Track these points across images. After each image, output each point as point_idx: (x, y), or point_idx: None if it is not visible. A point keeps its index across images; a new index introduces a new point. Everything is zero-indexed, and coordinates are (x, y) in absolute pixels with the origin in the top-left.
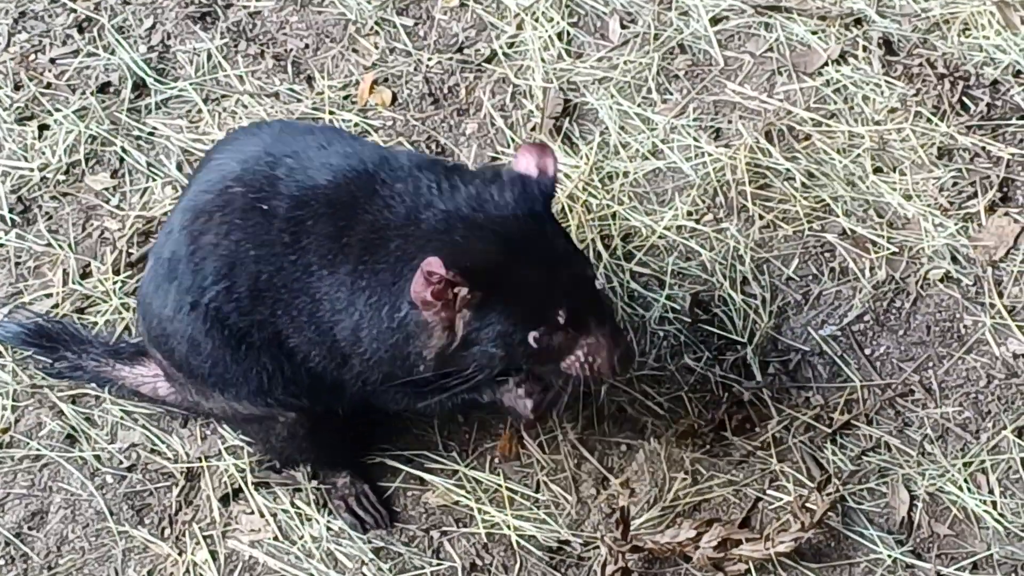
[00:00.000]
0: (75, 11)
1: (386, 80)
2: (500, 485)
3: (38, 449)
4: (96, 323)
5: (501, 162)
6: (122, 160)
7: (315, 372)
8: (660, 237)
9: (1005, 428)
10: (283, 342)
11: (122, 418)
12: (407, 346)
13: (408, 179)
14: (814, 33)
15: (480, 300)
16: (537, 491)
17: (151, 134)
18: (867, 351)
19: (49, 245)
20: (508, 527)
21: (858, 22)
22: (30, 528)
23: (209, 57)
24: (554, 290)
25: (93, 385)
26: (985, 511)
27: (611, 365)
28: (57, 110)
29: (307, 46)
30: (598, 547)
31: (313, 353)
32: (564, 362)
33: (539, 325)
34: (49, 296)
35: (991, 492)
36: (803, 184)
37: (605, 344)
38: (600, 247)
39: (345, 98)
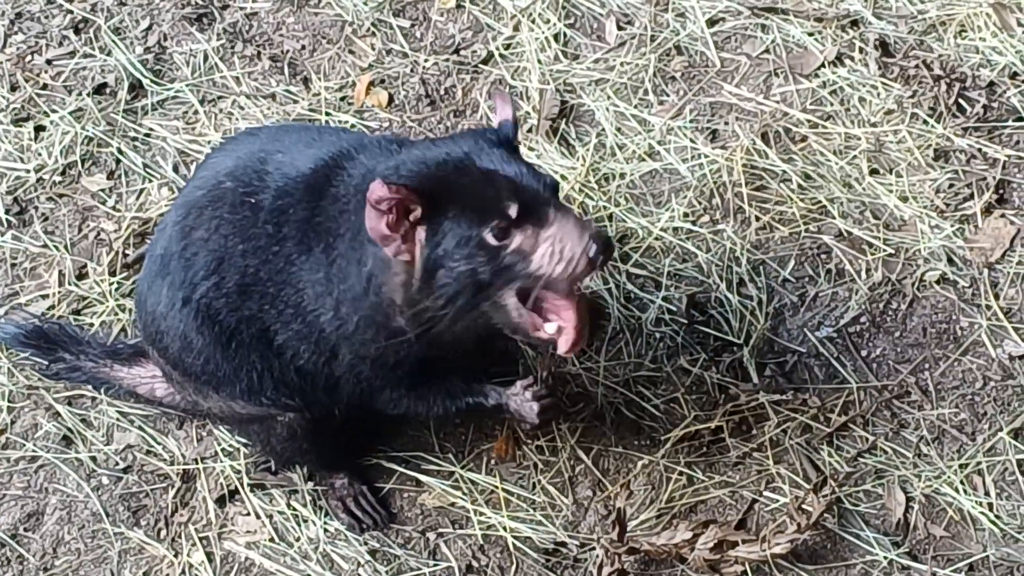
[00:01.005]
0: (71, 12)
1: (383, 81)
2: (496, 487)
3: (34, 450)
4: (92, 324)
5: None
6: (118, 161)
7: (306, 371)
8: (656, 239)
9: (1001, 430)
10: (271, 339)
11: (118, 420)
12: (379, 303)
13: (373, 148)
14: (810, 35)
15: (430, 213)
16: (533, 493)
17: (147, 135)
18: (863, 353)
19: (45, 246)
20: (504, 529)
21: (854, 24)
22: (26, 529)
23: (206, 58)
24: (500, 188)
25: (89, 386)
26: (981, 513)
27: (584, 250)
28: (53, 111)
29: (303, 47)
30: (594, 549)
31: (302, 348)
32: (534, 263)
33: (491, 220)
34: (45, 297)
35: (987, 494)
36: (799, 186)
37: (571, 230)
38: None
39: (342, 99)
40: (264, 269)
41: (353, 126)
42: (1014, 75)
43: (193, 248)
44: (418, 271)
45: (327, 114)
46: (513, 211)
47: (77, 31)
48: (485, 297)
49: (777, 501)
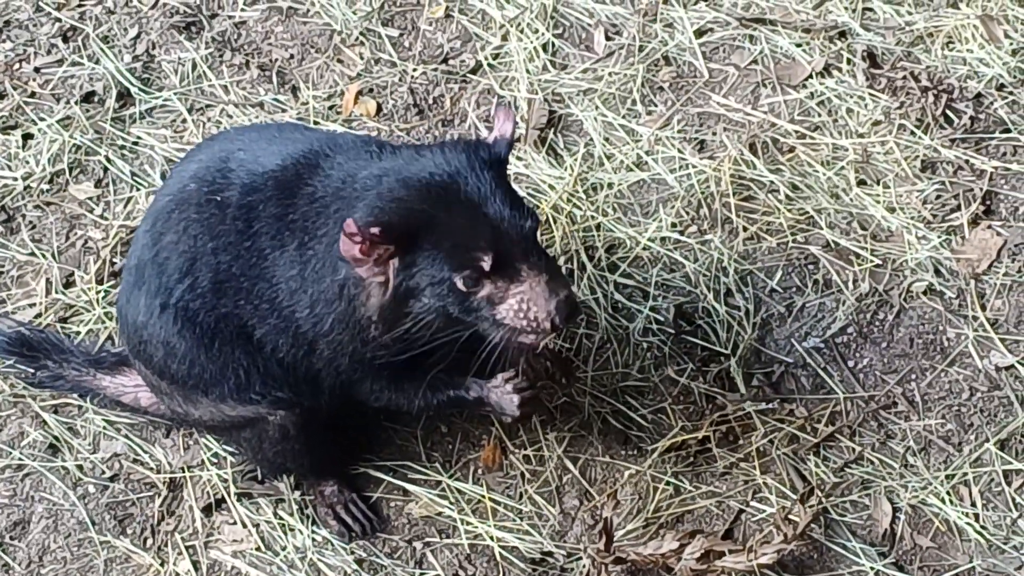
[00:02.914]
0: (60, 20)
1: (371, 90)
2: (483, 496)
3: (20, 459)
4: (79, 332)
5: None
6: (106, 170)
7: (286, 363)
8: (644, 248)
9: (987, 441)
10: (251, 334)
11: (105, 428)
12: (353, 311)
13: (351, 150)
14: (798, 46)
15: (405, 250)
16: (520, 502)
17: (135, 143)
18: (850, 363)
19: (32, 254)
20: (491, 538)
21: (842, 35)
22: (12, 538)
23: (194, 67)
24: (477, 235)
25: (75, 395)
26: (967, 523)
27: (548, 314)
28: (41, 119)
29: (292, 56)
30: (581, 558)
31: (281, 342)
32: (499, 313)
33: (463, 269)
34: (32, 305)
35: (973, 505)
36: (787, 196)
37: (540, 292)
38: (584, 258)
39: (330, 108)
40: (236, 265)
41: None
42: (1001, 87)
43: (164, 253)
44: (389, 294)
45: (316, 123)
46: (487, 263)
47: (65, 39)
48: (458, 322)
49: (764, 511)
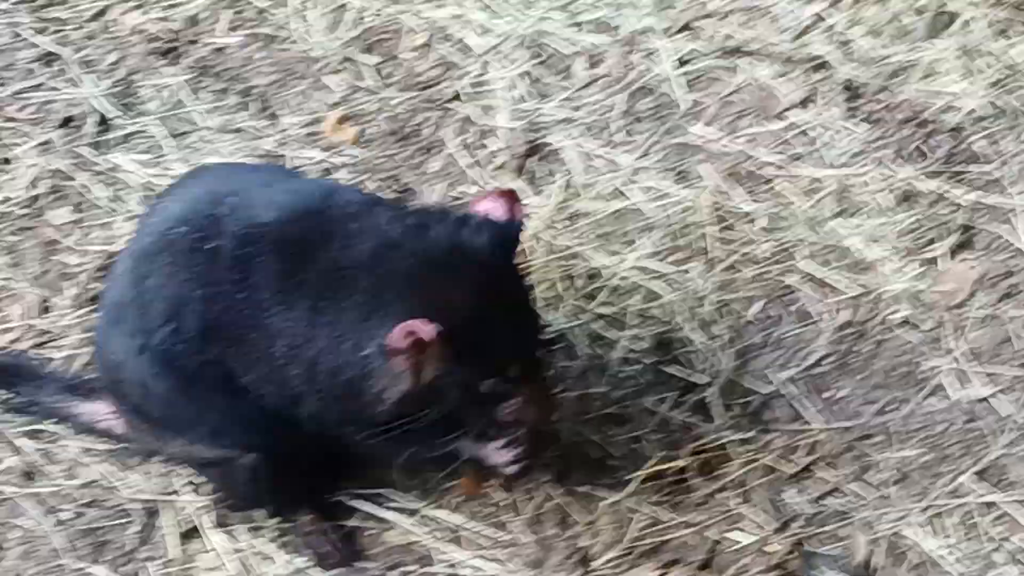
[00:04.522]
0: (37, 45)
1: (351, 118)
2: (460, 525)
3: None
4: (55, 359)
5: (457, 203)
6: (83, 195)
7: (270, 411)
8: (623, 278)
9: (964, 472)
10: (236, 381)
11: (80, 454)
12: (364, 384)
13: (364, 216)
14: (778, 77)
15: (451, 352)
16: (498, 531)
17: (113, 169)
18: (827, 394)
19: (9, 279)
20: (468, 567)
21: (822, 66)
22: None
23: (173, 92)
24: (514, 346)
25: (50, 421)
26: (944, 555)
27: (540, 416)
28: (18, 145)
29: (272, 83)
30: None
31: (266, 392)
32: (501, 408)
33: (494, 376)
34: (8, 331)
35: (949, 536)
36: (765, 228)
37: (540, 396)
38: (562, 287)
39: (309, 135)
40: (228, 315)
41: (321, 162)
42: (979, 119)
43: (148, 295)
44: (416, 388)
45: (295, 150)
46: (515, 372)
47: (44, 64)
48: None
49: (741, 543)
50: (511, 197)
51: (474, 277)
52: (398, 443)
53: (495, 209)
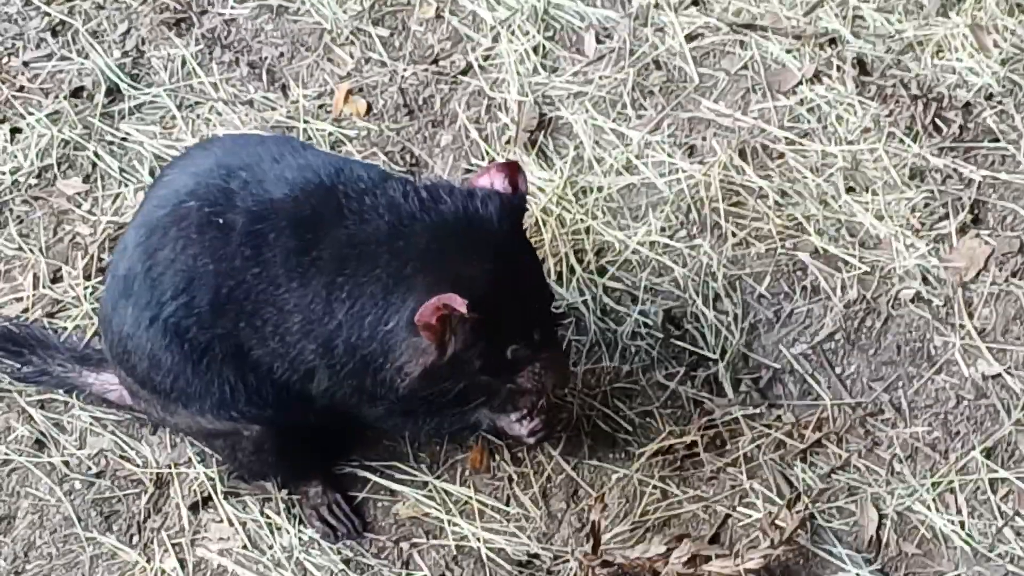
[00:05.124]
0: (49, 15)
1: (361, 90)
2: (470, 497)
3: (6, 454)
4: (66, 328)
5: (467, 175)
6: (94, 165)
7: (280, 383)
8: (633, 252)
9: (974, 448)
10: (247, 354)
11: (91, 424)
12: (384, 359)
13: (376, 192)
14: (789, 52)
15: (478, 323)
16: (507, 504)
17: (124, 140)
18: (838, 370)
19: (20, 249)
20: (478, 540)
21: (832, 42)
22: None
23: (183, 63)
24: (533, 310)
25: (61, 391)
26: (953, 531)
27: (559, 380)
28: (30, 113)
29: (282, 54)
30: (568, 561)
31: (276, 365)
32: (521, 375)
33: (518, 341)
34: (19, 300)
35: (959, 512)
36: (776, 202)
37: (558, 359)
38: (573, 261)
39: (320, 107)
40: (240, 289)
41: (331, 134)
42: (990, 96)
43: (159, 268)
44: (443, 361)
45: (305, 122)
46: (537, 336)
47: (55, 33)
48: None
49: (750, 516)
50: (514, 168)
51: (489, 248)
52: (416, 416)
53: (499, 181)
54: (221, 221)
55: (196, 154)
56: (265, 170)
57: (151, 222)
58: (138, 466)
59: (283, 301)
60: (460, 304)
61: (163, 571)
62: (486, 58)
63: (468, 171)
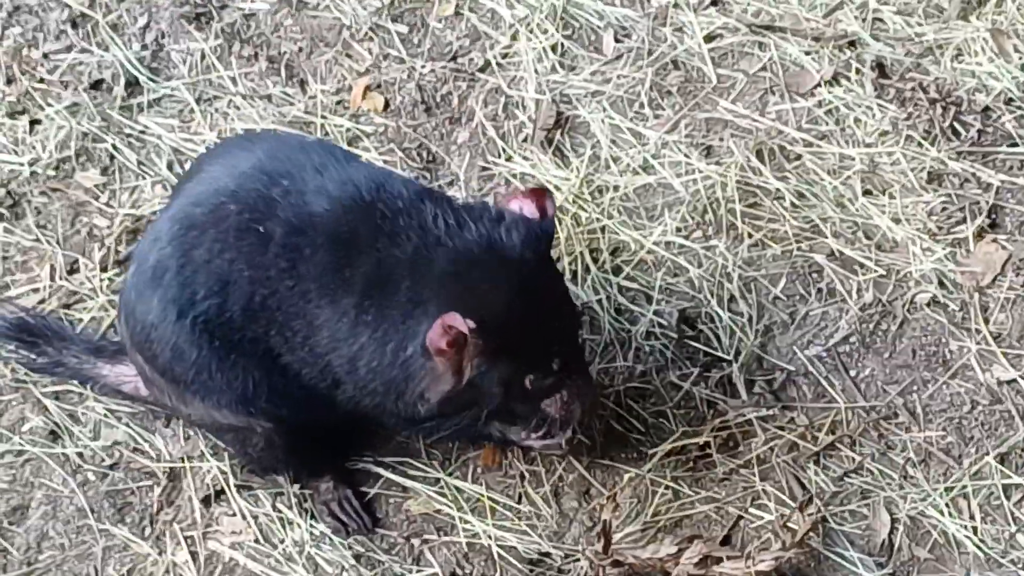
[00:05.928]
0: (69, 7)
1: (379, 86)
2: (482, 495)
3: (20, 444)
4: (82, 320)
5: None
6: (112, 158)
7: (307, 387)
8: (649, 252)
9: (988, 454)
10: (275, 358)
11: (105, 416)
12: (406, 385)
13: (411, 212)
14: (807, 54)
15: (492, 348)
16: (519, 502)
17: (142, 133)
18: (852, 373)
19: (37, 240)
20: (489, 537)
21: (852, 44)
22: (10, 523)
23: (203, 57)
24: (553, 339)
25: (75, 382)
26: (966, 536)
27: (585, 410)
28: (49, 105)
29: (301, 50)
30: (579, 560)
31: (305, 371)
32: (545, 402)
33: (537, 371)
34: (36, 291)
35: (972, 517)
36: (792, 204)
37: (584, 390)
38: (588, 260)
39: (338, 103)
40: (273, 299)
41: (348, 130)
42: (1009, 100)
43: (192, 267)
44: (460, 387)
45: (323, 117)
46: (557, 366)
47: (75, 26)
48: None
49: (763, 518)
50: (542, 195)
51: (507, 276)
52: (433, 429)
53: (528, 206)
54: (260, 229)
55: (237, 151)
56: (307, 180)
57: (188, 218)
58: (151, 459)
59: (313, 316)
60: (462, 324)
61: (175, 563)
62: (504, 56)
63: (484, 168)
